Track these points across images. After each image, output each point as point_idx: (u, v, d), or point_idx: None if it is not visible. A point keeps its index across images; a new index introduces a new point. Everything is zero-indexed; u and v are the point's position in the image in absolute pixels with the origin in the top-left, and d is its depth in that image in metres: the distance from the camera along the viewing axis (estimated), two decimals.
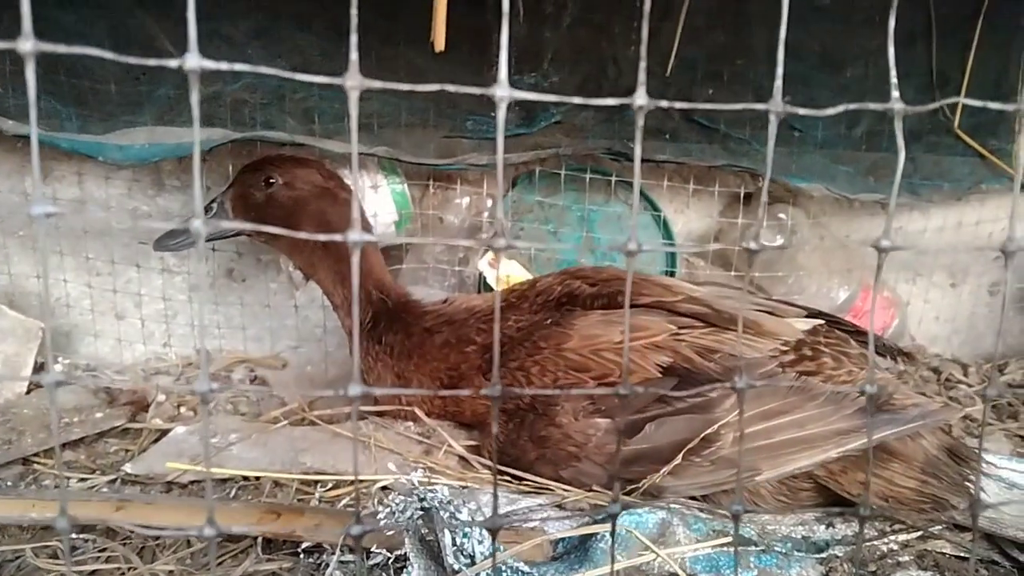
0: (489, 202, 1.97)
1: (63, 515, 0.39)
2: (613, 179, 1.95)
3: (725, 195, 2.10)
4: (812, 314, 1.42)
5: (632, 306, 1.39)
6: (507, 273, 1.85)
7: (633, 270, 0.46)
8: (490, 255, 1.87)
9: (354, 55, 0.39)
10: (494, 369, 0.42)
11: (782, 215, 2.04)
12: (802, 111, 0.47)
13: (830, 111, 0.47)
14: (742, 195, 2.05)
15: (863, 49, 2.01)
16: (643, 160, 1.89)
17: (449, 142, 1.84)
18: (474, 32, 1.70)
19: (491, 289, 1.83)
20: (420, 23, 1.48)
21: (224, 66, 0.42)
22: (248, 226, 0.44)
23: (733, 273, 2.00)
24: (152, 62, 0.42)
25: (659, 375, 1.26)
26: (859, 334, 1.43)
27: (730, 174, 2.01)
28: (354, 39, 0.38)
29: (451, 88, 0.42)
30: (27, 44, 0.38)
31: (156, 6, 1.68)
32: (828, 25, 1.98)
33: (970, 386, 2.05)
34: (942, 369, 2.15)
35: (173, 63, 0.42)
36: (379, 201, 1.84)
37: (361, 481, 1.30)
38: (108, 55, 0.42)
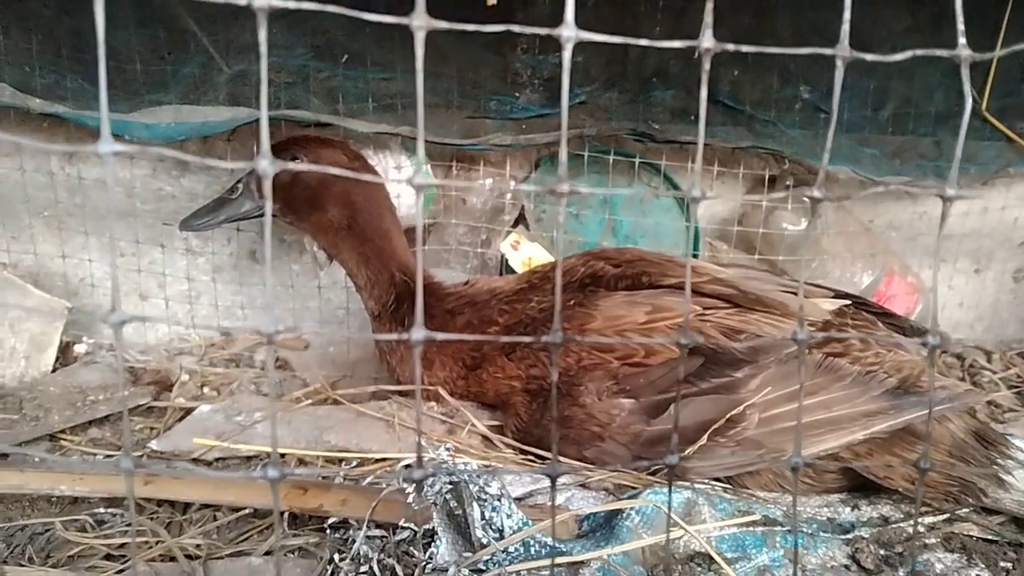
0: (512, 183, 1.97)
1: (127, 455, 0.39)
2: (637, 161, 1.94)
3: (750, 178, 2.08)
4: (839, 295, 1.41)
5: (656, 287, 1.39)
6: (529, 255, 1.85)
7: (696, 217, 0.45)
8: (512, 237, 1.87)
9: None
10: (556, 316, 0.42)
11: (807, 198, 2.02)
12: (869, 56, 0.47)
13: (898, 56, 0.47)
14: (767, 178, 2.03)
15: (890, 31, 1.99)
16: (667, 141, 1.89)
17: (473, 123, 1.83)
18: (498, 12, 1.69)
19: (513, 271, 1.83)
20: (444, 3, 1.47)
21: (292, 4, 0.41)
22: (304, 166, 0.44)
23: (757, 256, 1.99)
24: None
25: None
26: (886, 316, 1.42)
27: (755, 156, 1.99)
28: None
29: (516, 28, 0.42)
30: None
31: None
32: (855, 7, 1.95)
33: (994, 372, 2.03)
34: (965, 355, 2.14)
35: None
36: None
37: (385, 459, 1.31)
38: None
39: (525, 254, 1.84)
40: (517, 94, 1.90)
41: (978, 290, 2.32)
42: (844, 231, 2.05)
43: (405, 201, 1.84)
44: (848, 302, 1.39)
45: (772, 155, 1.95)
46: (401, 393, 1.51)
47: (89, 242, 1.90)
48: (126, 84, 1.70)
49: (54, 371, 1.75)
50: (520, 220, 1.95)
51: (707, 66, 0.43)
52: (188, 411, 1.56)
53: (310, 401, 1.56)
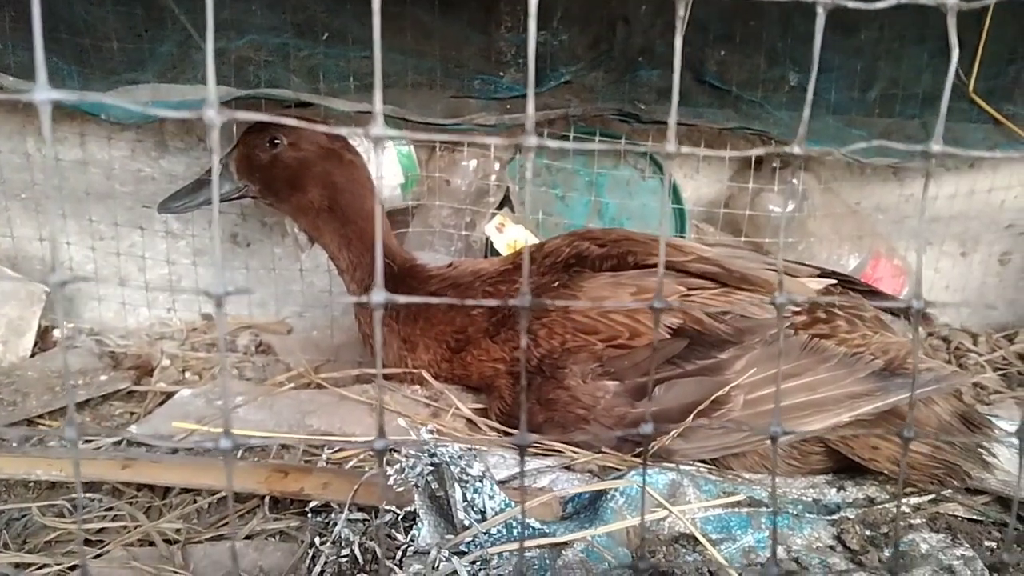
0: (497, 165, 1.94)
1: (71, 424, 0.38)
2: (623, 142, 1.92)
3: (736, 160, 2.07)
4: (825, 274, 1.40)
5: (642, 267, 1.37)
6: (514, 237, 1.83)
7: (669, 174, 0.44)
8: (497, 220, 1.85)
9: None
10: (523, 278, 0.41)
11: (793, 180, 2.01)
12: (851, 3, 0.46)
13: (881, 4, 0.46)
14: (753, 160, 2.02)
15: (877, 12, 1.97)
16: (653, 122, 1.87)
17: (456, 102, 1.81)
18: None
19: (498, 253, 1.81)
20: None
21: None
22: (258, 115, 0.42)
23: (743, 239, 1.98)
24: None
25: (668, 337, 1.24)
26: (873, 295, 1.41)
27: (741, 138, 1.98)
28: None
29: None
30: None
31: None
32: None
33: (980, 355, 2.04)
34: (952, 338, 2.14)
35: None
36: (385, 163, 1.81)
37: (368, 443, 1.29)
38: None
39: (510, 236, 1.82)
40: (501, 73, 1.87)
41: (965, 273, 2.32)
42: (831, 213, 2.04)
43: (388, 183, 1.82)
44: (834, 281, 1.38)
45: (759, 136, 1.93)
46: (385, 376, 1.49)
47: (67, 225, 1.87)
48: (102, 62, 1.67)
49: (32, 356, 1.73)
50: (505, 202, 1.93)
51: (681, 12, 0.41)
52: (169, 395, 1.54)
53: (293, 385, 1.54)
